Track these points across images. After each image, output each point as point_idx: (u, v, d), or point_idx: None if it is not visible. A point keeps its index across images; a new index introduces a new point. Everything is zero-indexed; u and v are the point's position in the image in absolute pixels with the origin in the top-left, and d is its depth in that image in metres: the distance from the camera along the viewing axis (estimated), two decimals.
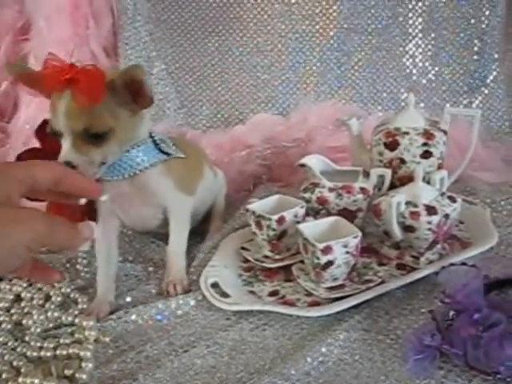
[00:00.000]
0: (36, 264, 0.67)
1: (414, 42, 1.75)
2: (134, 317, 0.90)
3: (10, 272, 0.71)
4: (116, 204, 0.97)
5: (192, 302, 0.93)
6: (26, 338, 0.86)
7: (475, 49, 1.75)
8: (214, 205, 1.24)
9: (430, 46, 1.75)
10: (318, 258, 0.86)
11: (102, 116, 0.84)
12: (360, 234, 0.89)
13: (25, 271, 0.66)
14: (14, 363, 0.80)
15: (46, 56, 0.83)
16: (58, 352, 0.82)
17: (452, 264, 0.86)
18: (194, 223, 1.06)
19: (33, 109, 1.58)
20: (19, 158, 0.96)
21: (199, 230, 1.14)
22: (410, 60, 1.76)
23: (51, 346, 0.83)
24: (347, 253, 0.87)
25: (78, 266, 1.07)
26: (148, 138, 0.95)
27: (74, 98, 0.82)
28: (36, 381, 0.75)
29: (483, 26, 1.73)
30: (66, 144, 0.84)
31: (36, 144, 1.07)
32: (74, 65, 0.83)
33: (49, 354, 0.82)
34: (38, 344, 0.84)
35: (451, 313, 0.76)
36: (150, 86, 0.90)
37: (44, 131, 0.95)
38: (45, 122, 0.96)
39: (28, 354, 0.82)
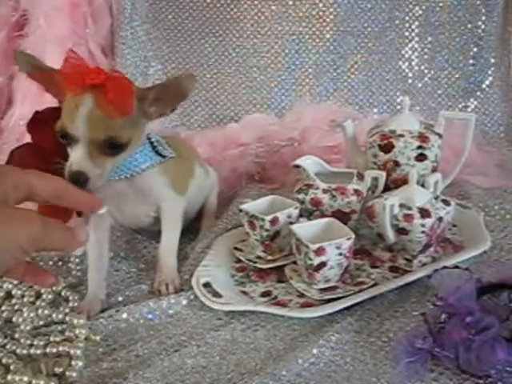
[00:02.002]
0: (29, 266, 0.66)
1: (410, 45, 1.76)
2: (125, 315, 0.89)
3: (1, 273, 0.70)
4: (110, 202, 0.96)
5: (184, 302, 0.92)
6: (16, 336, 0.85)
7: (471, 53, 1.75)
8: (206, 203, 1.23)
9: (426, 50, 1.76)
10: (310, 259, 0.86)
11: (124, 127, 0.83)
12: (353, 235, 0.88)
13: (17, 274, 0.65)
14: (4, 360, 0.79)
15: (66, 53, 0.79)
16: (47, 350, 0.81)
17: (445, 267, 0.86)
18: (185, 222, 1.06)
19: (27, 105, 1.57)
20: (12, 153, 0.94)
21: (191, 229, 1.14)
22: (406, 63, 1.76)
23: (41, 343, 0.82)
24: (340, 254, 0.87)
25: (69, 264, 1.06)
26: (145, 140, 0.95)
27: (99, 105, 0.79)
28: (25, 378, 0.74)
29: (479, 30, 1.74)
30: (79, 152, 0.80)
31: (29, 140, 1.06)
32: (100, 69, 0.80)
33: (39, 351, 0.81)
34: (28, 341, 0.83)
35: (443, 316, 0.76)
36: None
37: (36, 124, 0.93)
38: (36, 114, 0.95)
39: (18, 351, 0.81)
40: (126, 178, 0.93)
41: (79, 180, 0.78)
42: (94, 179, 0.80)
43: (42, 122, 0.92)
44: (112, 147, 0.83)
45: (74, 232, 0.62)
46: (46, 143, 0.89)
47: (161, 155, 0.96)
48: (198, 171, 1.14)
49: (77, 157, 0.80)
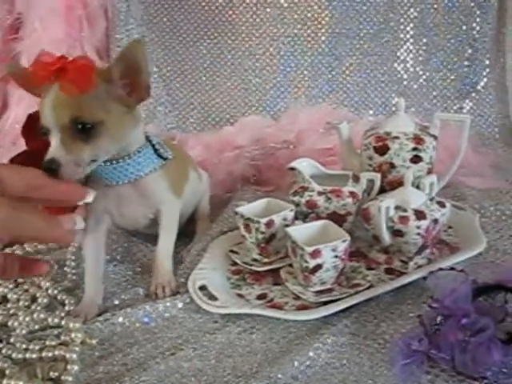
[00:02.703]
0: (24, 262, 0.65)
1: (405, 47, 1.77)
2: (121, 319, 0.89)
3: None
4: (111, 204, 0.97)
5: (180, 305, 0.92)
6: (12, 340, 0.84)
7: (466, 55, 1.76)
8: (199, 207, 1.24)
9: (421, 52, 1.77)
10: (306, 262, 0.86)
11: (91, 107, 0.81)
12: (349, 238, 0.88)
13: (14, 273, 0.64)
14: None
15: (39, 53, 0.80)
16: (43, 354, 0.81)
17: (440, 269, 0.86)
18: (179, 225, 1.06)
19: (23, 107, 1.58)
20: (11, 162, 0.94)
21: (186, 232, 1.14)
22: (401, 65, 1.77)
23: (37, 347, 0.82)
24: (336, 257, 0.87)
25: (65, 268, 1.06)
26: (147, 143, 0.95)
27: (62, 88, 0.79)
28: (21, 383, 0.74)
29: (474, 32, 1.75)
30: (53, 140, 0.80)
31: (23, 148, 1.04)
32: (63, 56, 0.80)
33: (34, 355, 0.81)
34: (24, 346, 0.82)
35: (439, 317, 0.76)
36: (149, 72, 0.87)
37: (30, 128, 0.93)
38: (30, 118, 0.94)
39: (13, 355, 0.81)
40: (130, 182, 0.93)
41: (51, 167, 0.76)
42: (66, 166, 0.77)
43: (34, 125, 0.91)
44: (82, 131, 0.80)
45: (60, 219, 0.60)
46: (40, 146, 0.88)
47: (161, 157, 0.96)
48: (191, 175, 1.15)
49: (51, 146, 0.80)
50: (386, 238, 0.95)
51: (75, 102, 0.79)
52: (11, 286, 1.00)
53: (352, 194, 1.02)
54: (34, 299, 0.97)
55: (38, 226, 0.59)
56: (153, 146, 0.96)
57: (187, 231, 1.15)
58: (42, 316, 0.91)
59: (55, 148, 0.79)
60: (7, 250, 1.08)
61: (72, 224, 0.61)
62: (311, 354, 0.77)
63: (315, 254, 0.85)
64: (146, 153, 0.94)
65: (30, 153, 0.93)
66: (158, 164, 0.96)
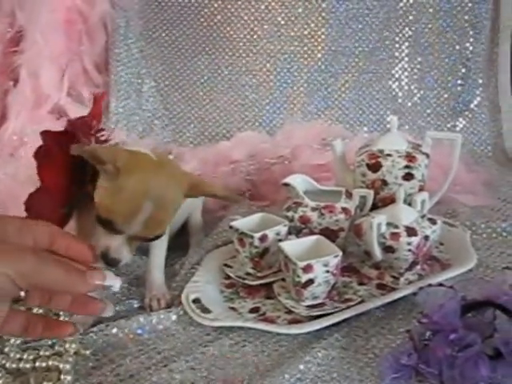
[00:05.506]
0: (47, 322, 0.65)
1: (400, 65, 1.79)
2: (114, 330, 0.89)
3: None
4: None
5: (173, 317, 0.93)
6: (6, 350, 0.85)
7: (460, 74, 1.78)
8: (191, 221, 1.25)
9: (415, 70, 1.78)
10: (298, 276, 0.87)
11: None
12: (340, 253, 0.90)
13: (36, 333, 0.64)
14: None
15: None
16: (37, 364, 0.81)
17: (430, 285, 0.88)
18: (168, 239, 1.06)
19: (21, 120, 1.58)
20: (30, 198, 0.92)
21: (181, 246, 1.15)
22: (396, 83, 1.79)
23: (31, 357, 0.82)
24: (327, 272, 0.88)
25: None
26: None
27: (158, 210, 0.82)
28: None
29: (467, 52, 1.77)
30: (119, 240, 0.82)
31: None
32: None
33: (28, 365, 0.81)
34: (18, 355, 0.83)
35: (428, 333, 0.77)
36: None
37: (46, 163, 0.90)
38: (45, 147, 0.91)
39: (7, 365, 0.81)
40: None
41: (112, 264, 0.82)
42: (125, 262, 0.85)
43: (50, 156, 0.89)
44: (152, 239, 0.88)
45: (90, 273, 0.59)
46: (57, 182, 0.88)
47: None
48: None
49: (116, 245, 0.82)
50: (378, 253, 0.96)
51: (164, 224, 0.86)
52: None
53: (345, 210, 1.03)
54: (28, 309, 0.97)
55: (59, 280, 0.57)
56: None
57: (181, 244, 1.16)
58: None
59: (122, 249, 0.83)
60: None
61: (102, 279, 0.60)
62: (302, 367, 0.78)
63: (307, 268, 0.87)
64: None
65: (48, 190, 0.91)
66: None
